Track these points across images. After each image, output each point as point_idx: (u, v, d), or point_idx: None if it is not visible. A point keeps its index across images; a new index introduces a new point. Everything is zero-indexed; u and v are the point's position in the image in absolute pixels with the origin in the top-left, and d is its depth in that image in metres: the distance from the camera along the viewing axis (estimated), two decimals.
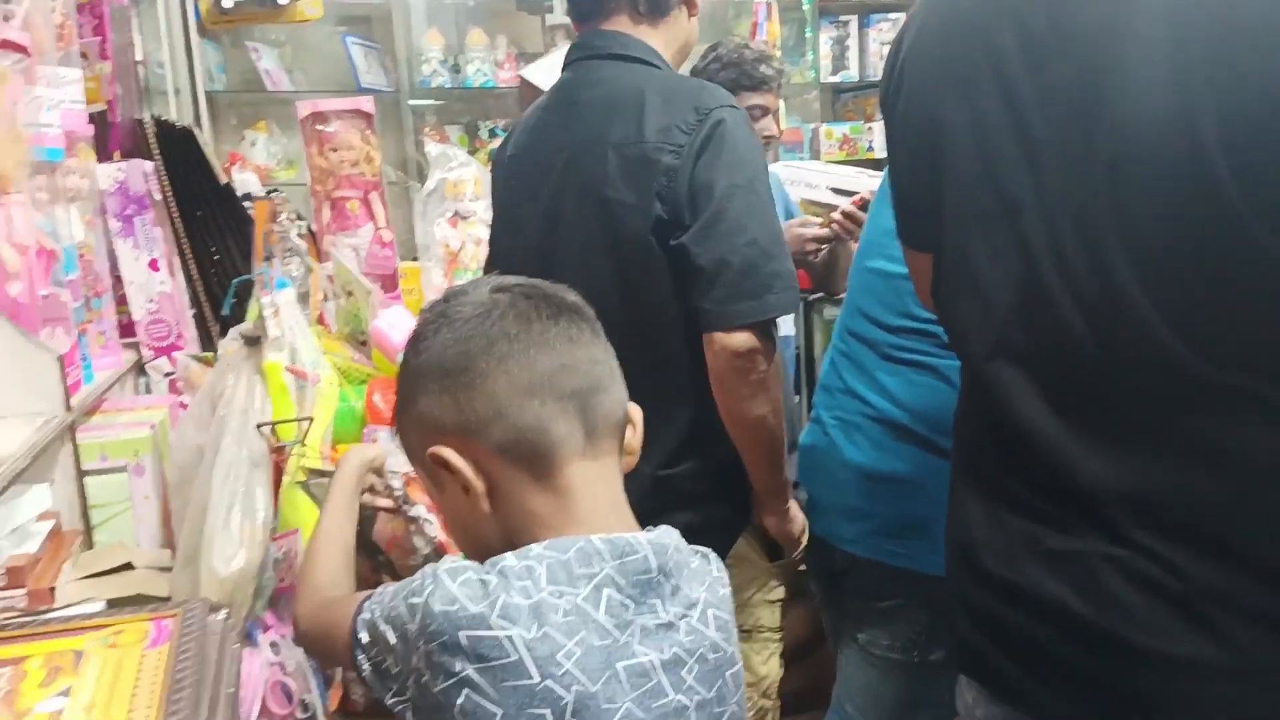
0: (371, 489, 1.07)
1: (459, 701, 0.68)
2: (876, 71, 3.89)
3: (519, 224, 1.62)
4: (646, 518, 0.94)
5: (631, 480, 1.11)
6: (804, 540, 1.59)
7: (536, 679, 0.68)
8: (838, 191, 2.29)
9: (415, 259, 2.44)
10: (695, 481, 1.49)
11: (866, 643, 1.54)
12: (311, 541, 0.99)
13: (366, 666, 0.77)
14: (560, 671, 0.68)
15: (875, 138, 3.90)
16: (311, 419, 1.18)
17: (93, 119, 1.66)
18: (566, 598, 0.71)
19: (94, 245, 1.60)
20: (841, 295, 1.87)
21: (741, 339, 1.36)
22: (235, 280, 1.43)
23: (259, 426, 1.17)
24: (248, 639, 1.13)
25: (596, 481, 0.80)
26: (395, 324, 1.29)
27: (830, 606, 1.68)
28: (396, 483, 1.09)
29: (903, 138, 1.02)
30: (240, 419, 1.15)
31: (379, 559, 1.17)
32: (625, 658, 0.72)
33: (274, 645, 1.14)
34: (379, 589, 0.81)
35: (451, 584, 0.71)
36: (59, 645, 0.84)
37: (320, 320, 1.41)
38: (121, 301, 1.83)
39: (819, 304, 2.51)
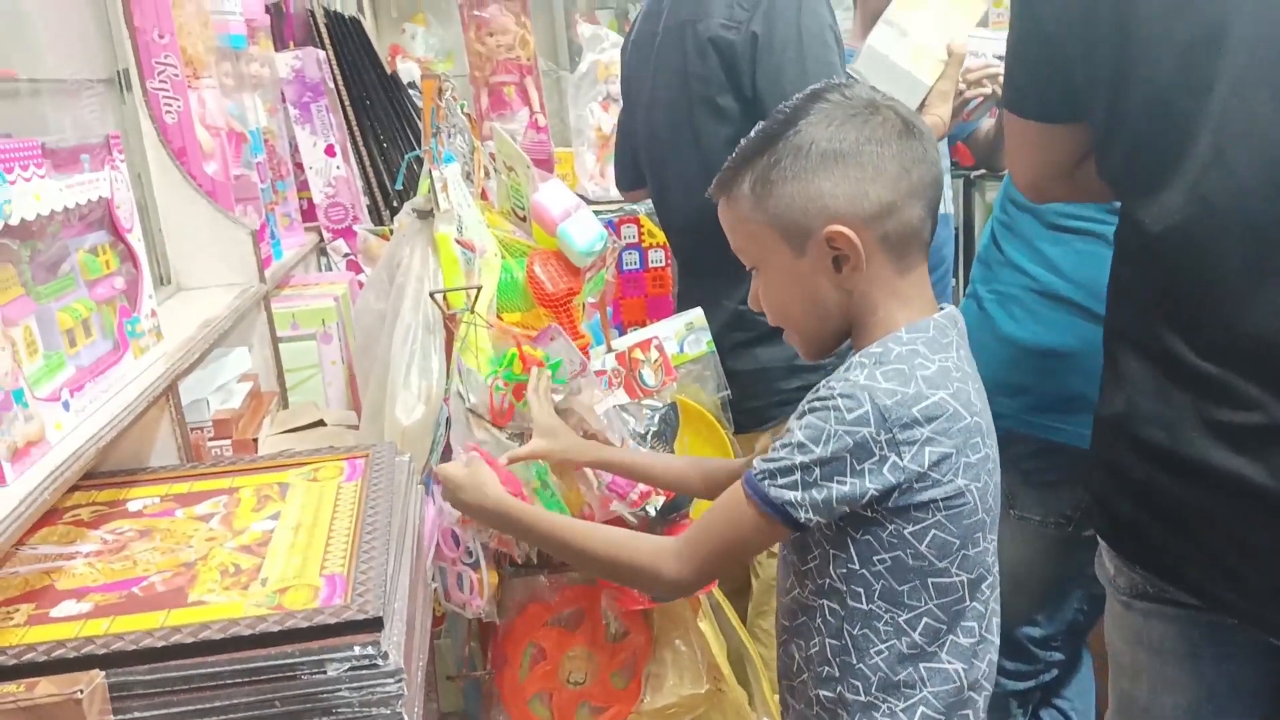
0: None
1: (927, 460, 0.86)
2: None
3: (633, 107, 1.76)
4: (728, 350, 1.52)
5: (714, 313, 1.61)
6: None
7: (969, 418, 0.88)
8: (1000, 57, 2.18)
9: (568, 145, 2.48)
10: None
11: (1019, 518, 1.53)
12: (578, 550, 1.02)
13: (808, 515, 0.87)
14: (975, 409, 0.89)
15: None
16: (480, 287, 1.24)
17: (268, 9, 1.75)
18: (950, 360, 0.90)
19: (276, 131, 1.70)
20: (1005, 172, 1.80)
21: None
22: (408, 154, 1.49)
23: (432, 294, 1.24)
24: (424, 487, 1.23)
25: (926, 274, 0.96)
26: (554, 196, 1.33)
27: None
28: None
29: None
30: (416, 286, 1.23)
31: None
32: (979, 392, 0.93)
33: None
34: (749, 475, 0.89)
35: (880, 384, 0.86)
36: (267, 479, 0.95)
37: (483, 196, 1.47)
38: (303, 187, 1.95)
39: (981, 181, 2.42)
